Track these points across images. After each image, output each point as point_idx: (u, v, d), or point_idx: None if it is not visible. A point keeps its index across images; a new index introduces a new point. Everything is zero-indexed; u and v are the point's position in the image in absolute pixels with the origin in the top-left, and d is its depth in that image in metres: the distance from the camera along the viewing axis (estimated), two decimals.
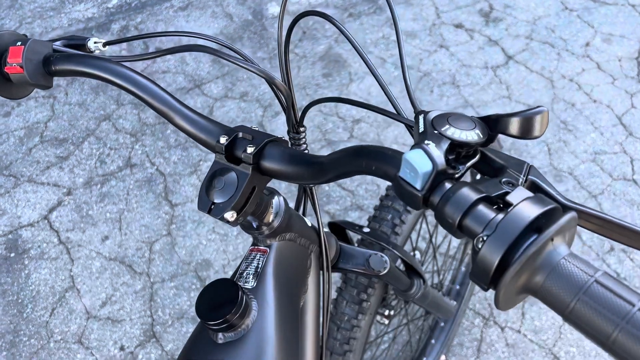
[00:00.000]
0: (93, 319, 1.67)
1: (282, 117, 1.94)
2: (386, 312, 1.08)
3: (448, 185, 0.38)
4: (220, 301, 0.53)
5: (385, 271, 0.81)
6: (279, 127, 2.18)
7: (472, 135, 0.40)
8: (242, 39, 2.58)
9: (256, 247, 0.63)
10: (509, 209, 0.35)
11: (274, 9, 2.75)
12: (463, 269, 1.53)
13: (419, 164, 0.38)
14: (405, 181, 0.39)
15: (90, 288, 1.73)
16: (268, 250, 0.62)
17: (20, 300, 1.72)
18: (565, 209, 0.36)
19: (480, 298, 1.64)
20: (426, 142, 0.39)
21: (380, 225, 1.00)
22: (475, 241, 0.35)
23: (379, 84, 0.59)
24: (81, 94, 2.33)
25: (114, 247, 1.81)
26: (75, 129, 2.19)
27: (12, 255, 1.82)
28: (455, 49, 2.44)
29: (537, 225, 0.34)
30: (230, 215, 0.52)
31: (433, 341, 1.46)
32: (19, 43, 0.57)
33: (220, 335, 0.54)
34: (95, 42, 0.63)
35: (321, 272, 0.74)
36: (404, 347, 1.51)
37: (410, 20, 2.63)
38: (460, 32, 2.54)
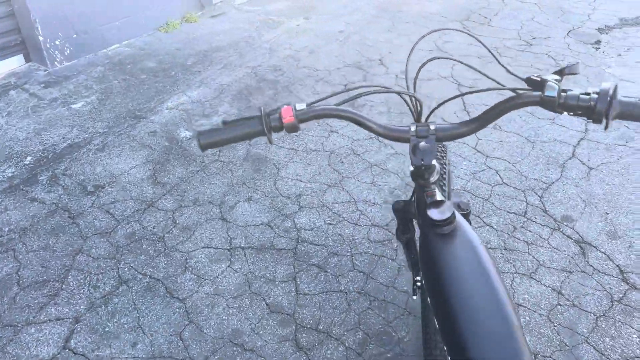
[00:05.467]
0: None
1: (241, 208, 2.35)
2: None
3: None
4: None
5: None
6: (239, 218, 2.56)
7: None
8: (170, 161, 2.96)
9: (429, 191, 1.10)
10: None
11: (184, 134, 3.20)
12: None
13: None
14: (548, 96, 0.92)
15: None
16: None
17: None
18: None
19: None
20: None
21: None
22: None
23: (493, 56, 1.13)
24: (40, 240, 2.44)
25: (147, 348, 1.97)
26: (52, 269, 2.29)
27: None
28: (342, 131, 3.15)
29: None
30: (435, 161, 1.02)
31: None
32: (284, 107, 1.02)
33: (446, 228, 1.01)
34: (299, 105, 1.08)
35: None
36: None
37: None
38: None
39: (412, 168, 1.06)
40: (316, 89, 3.63)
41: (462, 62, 1.17)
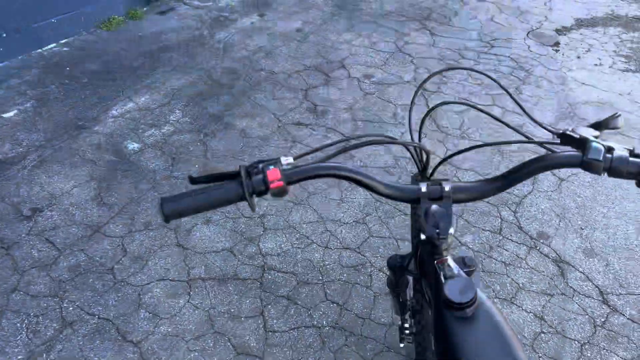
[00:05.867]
0: None
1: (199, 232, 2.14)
2: None
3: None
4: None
5: None
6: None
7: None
8: (116, 178, 2.68)
9: (441, 258, 0.92)
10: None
11: (133, 145, 2.92)
12: None
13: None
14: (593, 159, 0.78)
15: None
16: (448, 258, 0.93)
17: None
18: None
19: None
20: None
21: None
22: None
23: (519, 105, 0.97)
24: None
25: None
26: None
27: None
28: (306, 142, 2.97)
29: None
30: (452, 230, 0.85)
31: None
32: (271, 167, 0.82)
33: (467, 310, 0.84)
34: (286, 159, 0.89)
35: None
36: None
37: (259, 127, 3.09)
38: (302, 128, 3.09)
39: (422, 236, 0.89)
40: (276, 94, 3.42)
41: (480, 109, 1.00)
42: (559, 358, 1.85)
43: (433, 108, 1.06)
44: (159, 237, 2.34)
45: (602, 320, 1.98)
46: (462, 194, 0.87)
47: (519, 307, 2.03)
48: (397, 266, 1.19)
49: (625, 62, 3.84)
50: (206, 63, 3.80)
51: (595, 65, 3.82)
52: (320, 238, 2.34)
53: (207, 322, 1.98)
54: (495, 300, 2.05)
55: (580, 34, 4.33)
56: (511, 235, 2.35)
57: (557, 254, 2.26)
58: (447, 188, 0.86)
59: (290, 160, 0.88)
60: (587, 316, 2.00)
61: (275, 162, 0.87)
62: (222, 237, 2.35)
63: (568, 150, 0.81)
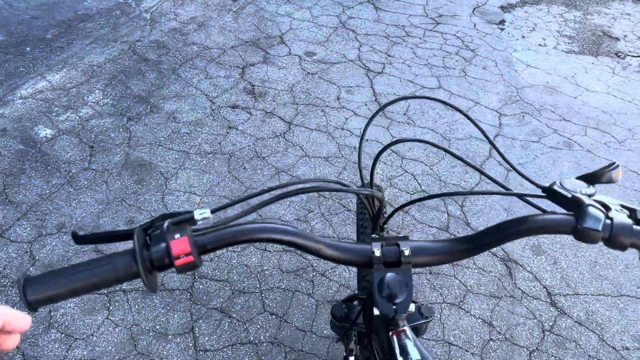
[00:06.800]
0: None
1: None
2: None
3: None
4: None
5: None
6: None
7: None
8: (25, 171, 2.36)
9: (396, 330, 0.75)
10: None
11: (45, 131, 2.58)
12: None
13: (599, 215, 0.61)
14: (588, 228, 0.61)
15: None
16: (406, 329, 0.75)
17: None
18: None
19: None
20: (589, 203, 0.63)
21: None
22: None
23: (501, 155, 0.80)
24: None
25: None
26: None
27: None
28: (243, 127, 2.73)
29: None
30: (412, 306, 0.67)
31: None
32: (177, 236, 0.61)
33: None
34: (201, 213, 0.68)
35: None
36: None
37: (190, 110, 2.81)
38: (238, 111, 2.84)
39: (375, 311, 0.70)
40: (209, 72, 3.13)
41: (450, 152, 0.82)
42: None
43: (387, 147, 0.88)
44: (73, 243, 2.07)
45: (551, 324, 1.92)
46: (423, 257, 0.69)
47: (467, 312, 1.93)
48: (342, 317, 1.02)
49: (569, 43, 3.80)
50: (131, 35, 3.43)
51: (540, 45, 3.75)
52: None
53: (129, 342, 1.76)
54: (443, 305, 1.94)
55: (525, 11, 4.26)
56: (458, 232, 2.25)
57: (505, 252, 2.18)
58: (406, 252, 0.68)
59: (207, 214, 0.68)
60: (535, 320, 1.93)
61: (186, 221, 0.66)
62: None
63: (559, 213, 0.64)
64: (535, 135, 2.85)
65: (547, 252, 2.19)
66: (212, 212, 0.70)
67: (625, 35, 3.98)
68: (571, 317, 1.94)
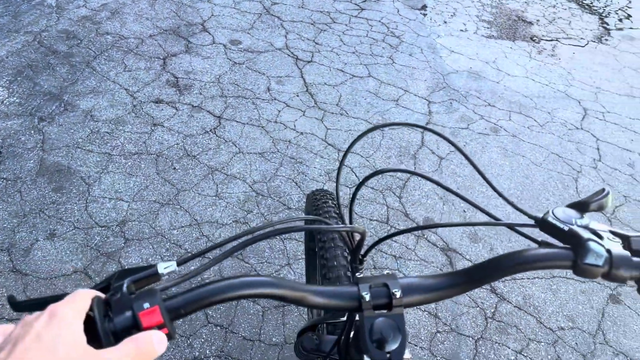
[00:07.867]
0: None
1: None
2: None
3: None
4: None
5: None
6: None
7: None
8: None
9: None
10: None
11: None
12: None
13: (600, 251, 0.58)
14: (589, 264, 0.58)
15: None
16: None
17: None
18: None
19: None
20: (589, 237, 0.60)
21: None
22: None
23: (490, 185, 0.75)
24: None
25: None
26: None
27: None
28: (169, 124, 2.57)
29: None
30: (407, 353, 0.62)
31: None
32: (146, 305, 0.52)
33: None
34: (165, 267, 0.60)
35: None
36: None
37: (109, 107, 2.60)
38: (163, 106, 2.67)
39: (366, 358, 0.65)
40: (127, 64, 2.91)
41: (435, 181, 0.78)
42: (456, 358, 1.81)
43: (365, 181, 0.82)
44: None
45: (492, 311, 1.98)
46: (415, 297, 0.64)
47: None
48: (313, 350, 0.96)
49: (488, 28, 3.92)
50: (35, 25, 3.11)
51: (461, 31, 3.84)
52: (195, 245, 2.03)
53: None
54: None
55: None
56: (399, 224, 2.25)
57: (444, 241, 2.21)
58: (397, 294, 0.62)
59: (173, 267, 0.60)
60: (478, 308, 1.98)
61: (148, 277, 0.58)
62: (73, 254, 1.93)
63: (555, 246, 0.62)
64: (463, 121, 2.91)
65: (484, 239, 2.25)
66: (179, 264, 0.61)
67: (538, 20, 4.16)
68: (510, 302, 2.01)
